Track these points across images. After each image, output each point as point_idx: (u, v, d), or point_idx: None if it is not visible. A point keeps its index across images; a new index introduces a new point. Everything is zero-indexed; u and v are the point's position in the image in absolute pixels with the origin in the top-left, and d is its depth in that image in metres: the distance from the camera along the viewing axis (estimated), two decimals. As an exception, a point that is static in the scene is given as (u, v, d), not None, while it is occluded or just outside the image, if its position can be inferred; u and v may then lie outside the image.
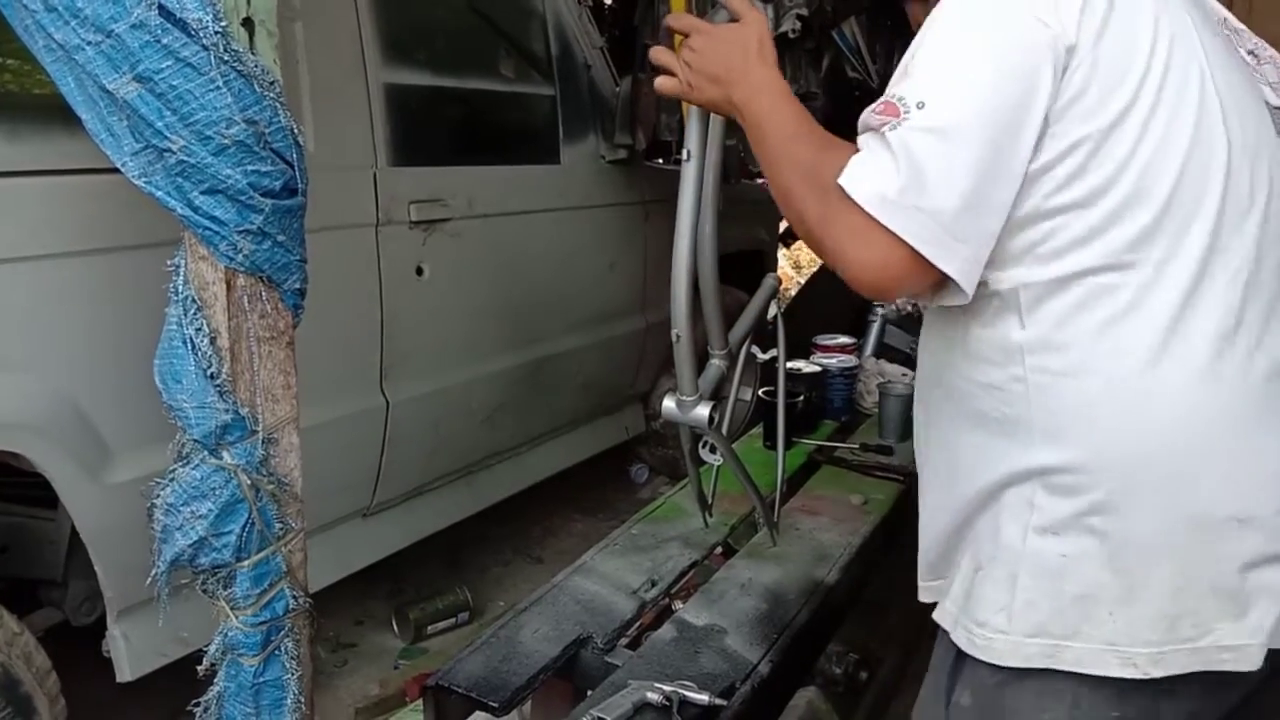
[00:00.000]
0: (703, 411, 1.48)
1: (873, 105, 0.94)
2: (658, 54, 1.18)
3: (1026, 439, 0.99)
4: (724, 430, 1.59)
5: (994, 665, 1.02)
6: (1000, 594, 1.01)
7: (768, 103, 1.06)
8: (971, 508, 1.06)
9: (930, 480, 1.17)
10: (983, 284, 0.97)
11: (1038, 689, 1.00)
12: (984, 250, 0.94)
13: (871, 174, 0.91)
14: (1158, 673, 0.95)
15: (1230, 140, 0.99)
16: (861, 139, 0.95)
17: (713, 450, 1.67)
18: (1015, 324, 0.99)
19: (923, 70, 0.94)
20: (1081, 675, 0.98)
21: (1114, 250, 0.95)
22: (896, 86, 0.94)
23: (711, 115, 1.33)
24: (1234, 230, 0.97)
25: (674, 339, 1.41)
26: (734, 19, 1.14)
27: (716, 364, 1.57)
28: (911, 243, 0.89)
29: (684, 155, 1.33)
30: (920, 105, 0.90)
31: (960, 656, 1.06)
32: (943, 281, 0.94)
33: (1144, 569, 0.96)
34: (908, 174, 0.89)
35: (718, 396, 1.54)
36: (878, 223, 0.89)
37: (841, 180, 0.92)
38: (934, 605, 1.16)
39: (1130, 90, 0.94)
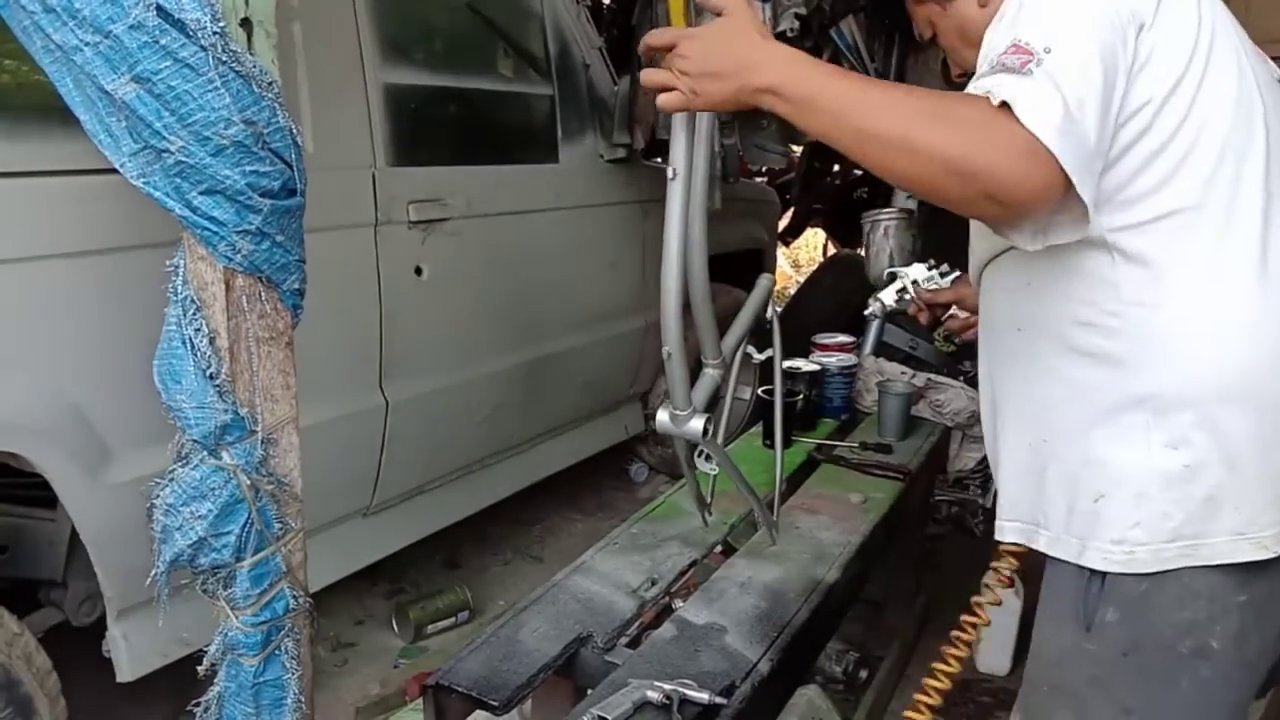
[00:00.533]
0: (697, 424, 1.48)
1: (998, 49, 1.01)
2: (649, 76, 1.13)
3: (1130, 368, 1.11)
4: (720, 439, 1.59)
5: (1137, 575, 1.12)
6: (1132, 511, 1.12)
7: (809, 69, 1.03)
8: (1070, 440, 1.17)
9: (1009, 420, 1.27)
10: None
11: (1178, 590, 1.11)
12: (1097, 188, 1.02)
13: (1037, 103, 0.95)
14: None
15: (1265, 104, 1.14)
16: (996, 78, 0.98)
17: (709, 459, 1.67)
18: (1107, 264, 1.11)
19: (1038, 19, 1.02)
20: (1214, 566, 1.10)
21: (1184, 193, 1.08)
22: (1013, 31, 1.01)
23: (696, 132, 1.30)
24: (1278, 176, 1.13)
25: (665, 356, 1.41)
26: (717, 14, 1.10)
27: (711, 374, 1.57)
28: (1068, 169, 0.94)
29: (670, 173, 1.29)
30: (1047, 50, 0.97)
31: (1093, 579, 1.15)
32: (1058, 216, 1.01)
33: (1257, 462, 1.10)
34: (1062, 106, 0.95)
35: (713, 406, 1.54)
36: (1043, 147, 0.93)
37: (1016, 107, 0.94)
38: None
39: (1184, 60, 1.08)
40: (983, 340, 1.35)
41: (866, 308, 2.06)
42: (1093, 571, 1.15)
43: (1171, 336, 1.10)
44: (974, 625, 1.99)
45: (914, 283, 1.87)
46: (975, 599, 2.00)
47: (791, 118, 1.04)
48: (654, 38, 1.13)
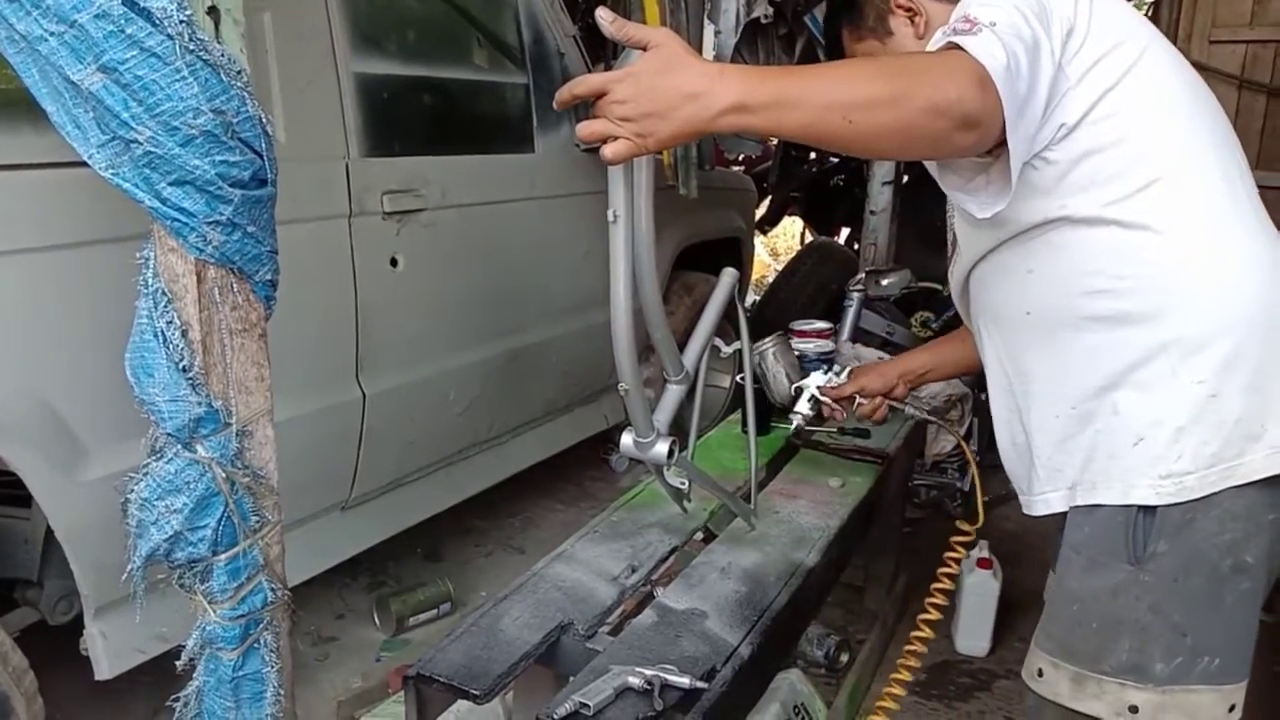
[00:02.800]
0: (661, 449, 1.49)
1: (950, 23, 1.12)
2: (587, 129, 1.05)
3: (1146, 321, 1.22)
4: (690, 449, 1.60)
5: (1183, 504, 1.22)
6: (1174, 446, 1.22)
7: (770, 75, 1.03)
8: (1098, 399, 1.26)
9: (1032, 400, 1.36)
10: (1066, 217, 1.22)
11: (1219, 514, 1.22)
12: (1025, 148, 1.13)
13: (984, 47, 1.05)
14: None
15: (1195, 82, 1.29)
16: (950, 39, 1.08)
17: (679, 472, 1.67)
18: (1107, 236, 1.21)
19: (982, 6, 1.12)
20: (1251, 485, 1.21)
21: (1158, 164, 1.20)
22: (961, 11, 1.13)
23: (636, 170, 1.25)
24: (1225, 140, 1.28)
25: (621, 391, 1.40)
26: (642, 49, 1.04)
27: (674, 390, 1.58)
28: (1005, 104, 1.04)
29: (610, 216, 1.23)
30: (992, 24, 1.08)
31: (1141, 515, 1.24)
32: (989, 177, 1.16)
33: (1272, 381, 1.21)
34: (1005, 55, 1.05)
35: (684, 409, 1.55)
36: (990, 78, 1.03)
37: (967, 47, 1.05)
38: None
39: (1126, 61, 1.21)
40: (986, 338, 1.44)
41: (844, 295, 2.22)
42: (1140, 508, 1.24)
43: (1179, 285, 1.21)
44: (937, 606, 2.02)
45: (818, 389, 2.02)
46: (935, 585, 2.05)
47: (764, 126, 1.03)
48: (579, 87, 1.05)
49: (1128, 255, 1.22)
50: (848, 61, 1.12)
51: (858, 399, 1.97)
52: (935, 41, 1.14)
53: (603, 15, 1.06)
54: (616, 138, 1.04)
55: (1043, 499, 1.37)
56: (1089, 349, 1.27)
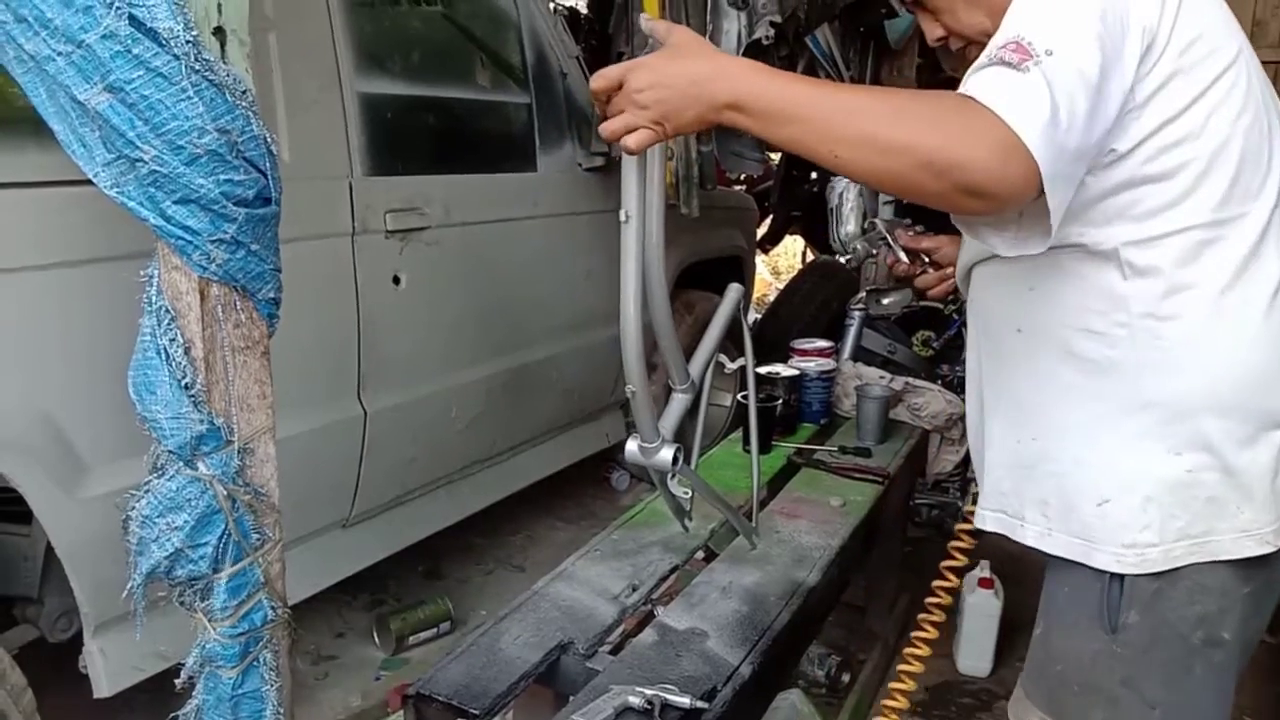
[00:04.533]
0: (666, 455, 1.48)
1: (997, 44, 0.99)
2: (609, 128, 1.08)
3: (1132, 378, 1.14)
4: (694, 463, 1.58)
5: (1150, 575, 1.16)
6: (1140, 515, 1.16)
7: (776, 79, 1.01)
8: (1062, 440, 1.20)
9: (997, 414, 1.31)
10: (1082, 245, 1.12)
11: (1189, 585, 1.16)
12: (1069, 197, 1.01)
13: (1024, 100, 0.93)
14: None
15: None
16: (991, 70, 0.96)
17: (683, 481, 1.67)
18: (1117, 277, 1.12)
19: (1044, 18, 0.99)
20: (1221, 562, 1.15)
21: (1197, 211, 1.09)
22: (1016, 29, 0.98)
23: (649, 171, 1.26)
24: None
25: (629, 394, 1.41)
26: (658, 45, 1.08)
27: (680, 398, 1.58)
28: (1043, 171, 0.93)
29: (622, 216, 1.25)
30: (1049, 53, 0.95)
31: (1113, 583, 1.19)
32: (1022, 226, 1.04)
33: (1255, 468, 1.14)
34: (1051, 107, 0.93)
35: (686, 424, 1.54)
36: (1023, 143, 0.92)
37: (995, 102, 0.93)
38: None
39: (1203, 81, 1.08)
40: (973, 334, 1.37)
41: (845, 314, 2.06)
42: (1111, 575, 1.18)
43: (1178, 351, 1.12)
44: (933, 623, 2.00)
45: (889, 230, 1.80)
46: (929, 599, 2.01)
47: (758, 131, 1.02)
48: (599, 81, 1.07)
49: (1135, 305, 1.12)
50: (853, 88, 1.02)
51: (927, 261, 1.74)
52: (976, 66, 1.00)
53: (645, 17, 1.13)
54: (636, 127, 1.06)
55: (980, 515, 1.34)
56: (1066, 387, 1.20)
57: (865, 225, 1.93)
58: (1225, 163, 1.09)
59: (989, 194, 0.95)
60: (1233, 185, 1.10)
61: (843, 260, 1.93)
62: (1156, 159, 1.07)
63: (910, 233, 1.77)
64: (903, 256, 1.77)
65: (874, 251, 1.85)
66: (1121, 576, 1.18)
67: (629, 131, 1.06)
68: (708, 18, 3.54)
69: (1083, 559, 1.20)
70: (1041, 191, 0.96)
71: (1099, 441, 1.18)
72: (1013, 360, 1.27)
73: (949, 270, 1.67)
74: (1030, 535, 1.26)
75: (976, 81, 0.96)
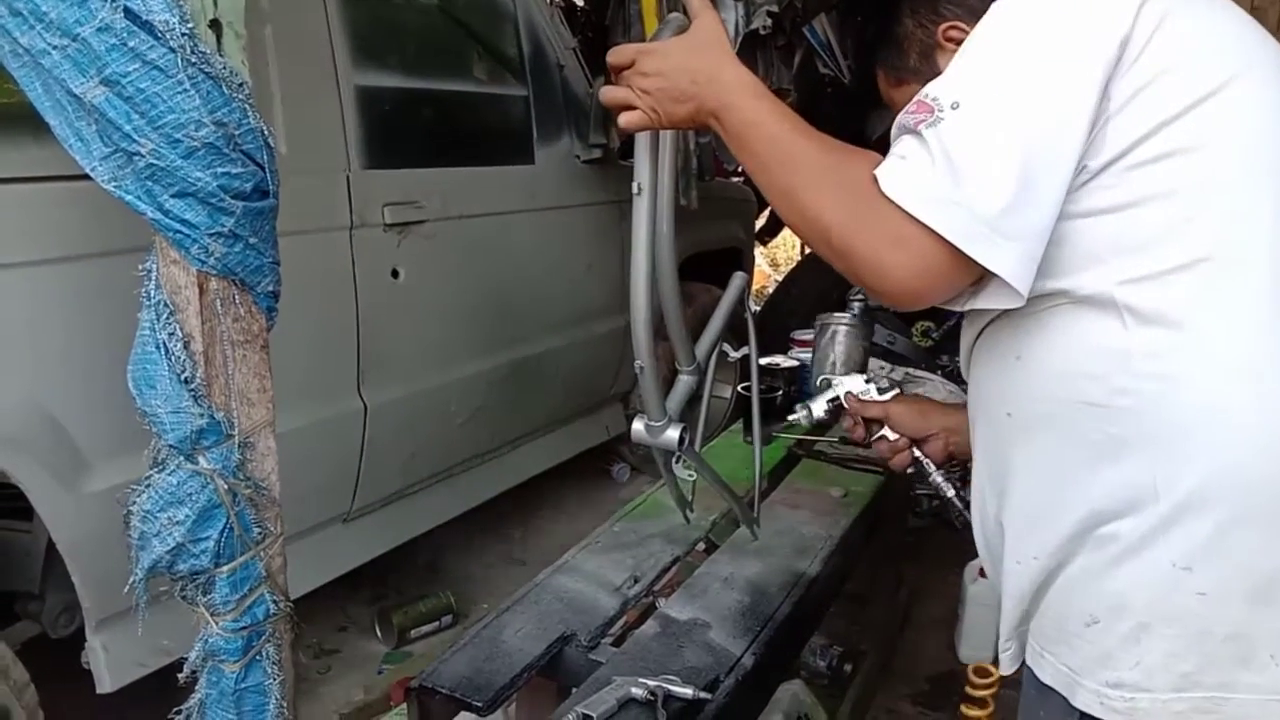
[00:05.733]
0: (672, 434, 1.47)
1: (907, 106, 0.92)
2: (609, 94, 1.06)
3: (1138, 460, 0.90)
4: (697, 445, 1.56)
5: None
6: (1131, 647, 0.91)
7: (750, 103, 0.98)
8: (1065, 550, 0.96)
9: (1011, 528, 1.04)
10: (1065, 291, 0.92)
11: None
12: (1037, 248, 0.87)
13: (908, 171, 0.87)
14: None
15: None
16: (898, 142, 0.92)
17: (687, 465, 1.66)
18: (1117, 328, 0.90)
19: (960, 69, 0.92)
20: None
21: (1208, 239, 0.89)
22: (931, 87, 0.91)
23: (661, 146, 1.23)
24: None
25: (637, 370, 1.40)
26: (682, 29, 1.06)
27: (685, 380, 1.57)
28: (953, 240, 0.84)
29: (635, 189, 1.23)
30: (955, 106, 0.87)
31: None
32: (985, 283, 0.90)
33: None
34: (945, 169, 0.85)
35: (690, 410, 1.53)
36: (917, 222, 0.85)
37: (880, 179, 0.88)
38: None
39: (1204, 83, 0.90)
40: (973, 434, 1.14)
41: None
42: (1083, 715, 0.95)
43: (1192, 418, 0.88)
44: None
45: (847, 393, 1.67)
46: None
47: (730, 149, 1.01)
48: (615, 55, 1.05)
49: (1136, 362, 0.89)
50: (815, 139, 0.94)
51: (885, 429, 1.56)
52: (894, 131, 0.94)
53: None
54: (634, 108, 1.05)
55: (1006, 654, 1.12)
56: (1065, 482, 0.95)
57: (819, 383, 1.74)
58: (1241, 177, 0.91)
59: (882, 290, 0.89)
60: (1253, 204, 0.90)
61: (790, 418, 1.73)
62: (1143, 173, 0.89)
63: (862, 397, 1.61)
64: (857, 425, 1.62)
65: (825, 417, 1.69)
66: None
67: (627, 108, 1.06)
68: (705, 8, 3.53)
69: (1066, 693, 0.97)
70: (963, 264, 0.86)
71: (1096, 542, 0.94)
72: (1011, 453, 1.03)
73: (901, 442, 1.51)
74: (1028, 655, 1.05)
75: (885, 163, 0.91)
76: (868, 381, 1.67)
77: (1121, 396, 0.90)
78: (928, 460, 1.51)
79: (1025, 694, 1.07)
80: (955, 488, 1.52)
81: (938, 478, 1.53)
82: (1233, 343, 0.88)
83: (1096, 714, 0.94)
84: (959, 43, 0.99)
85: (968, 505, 1.20)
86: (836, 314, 1.92)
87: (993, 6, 0.94)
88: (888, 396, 1.62)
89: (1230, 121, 0.90)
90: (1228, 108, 0.90)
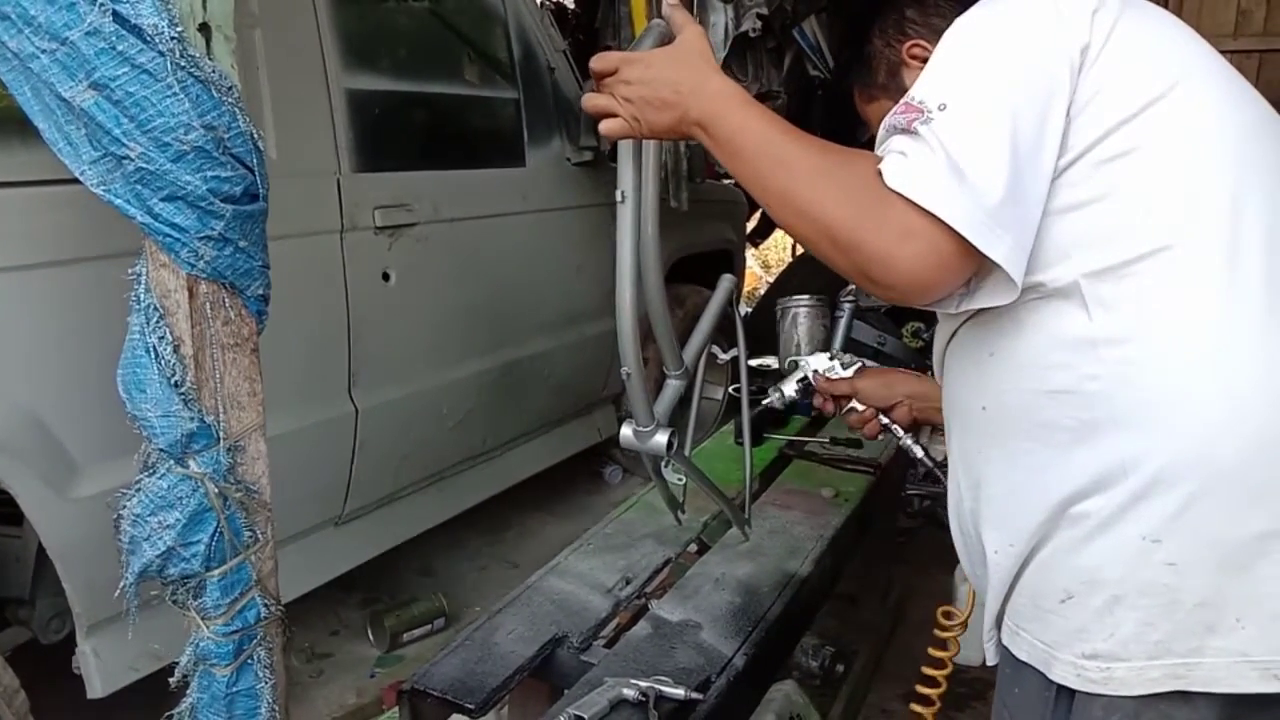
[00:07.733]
0: (660, 439, 1.48)
1: (892, 110, 0.94)
2: (591, 101, 1.07)
3: (1108, 440, 0.93)
4: (687, 449, 1.57)
5: (1113, 697, 0.94)
6: (1104, 618, 0.94)
7: (738, 109, 0.99)
8: (1040, 533, 0.99)
9: (988, 520, 1.07)
10: (1038, 285, 0.95)
11: (1153, 717, 0.93)
12: (1027, 240, 0.92)
13: (914, 165, 0.89)
14: None
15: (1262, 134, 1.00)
16: (891, 141, 0.94)
17: (677, 469, 1.66)
18: (1082, 318, 0.94)
19: (939, 73, 0.96)
20: (1211, 695, 0.91)
21: (1168, 227, 0.93)
22: (915, 91, 0.95)
23: (645, 152, 1.24)
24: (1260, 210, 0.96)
25: (624, 376, 1.41)
26: (664, 37, 1.07)
27: (674, 384, 1.58)
28: (962, 230, 0.87)
29: (618, 196, 1.24)
30: (942, 107, 0.91)
31: (1061, 697, 0.99)
32: (980, 283, 0.94)
33: (1267, 561, 0.89)
34: (946, 162, 0.88)
35: (679, 414, 1.53)
36: (925, 214, 0.88)
37: (885, 173, 0.90)
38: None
39: (1155, 85, 0.95)
40: (948, 435, 1.17)
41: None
42: (1060, 688, 0.98)
43: (1157, 399, 0.91)
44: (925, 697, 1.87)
45: (815, 372, 1.76)
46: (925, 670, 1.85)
47: (719, 158, 1.02)
48: (599, 62, 1.06)
49: (1104, 348, 0.93)
50: (806, 141, 0.96)
51: (854, 401, 1.66)
52: (879, 139, 0.98)
53: (669, 2, 1.11)
54: (616, 115, 1.05)
55: (987, 646, 1.13)
56: (1039, 467, 0.98)
57: (787, 365, 1.83)
58: (1200, 169, 0.95)
59: (890, 284, 0.91)
60: (1211, 193, 0.95)
61: (764, 402, 1.82)
62: (1107, 169, 0.94)
63: (829, 375, 1.71)
64: (826, 401, 1.72)
65: (796, 397, 1.78)
66: (1072, 693, 0.97)
67: (608, 116, 1.06)
68: (694, 11, 3.54)
69: (1043, 668, 1.00)
70: (969, 256, 0.89)
71: (1070, 521, 0.97)
72: (985, 447, 1.07)
73: (869, 412, 1.63)
74: (1004, 635, 1.06)
75: (886, 159, 0.93)
76: (831, 359, 1.77)
77: (1090, 382, 0.94)
78: (896, 425, 1.63)
79: (1001, 672, 1.09)
80: (923, 448, 1.67)
81: (906, 440, 1.66)
82: (1193, 327, 0.92)
83: (1073, 686, 0.97)
84: (923, 60, 1.07)
85: (937, 465, 1.34)
86: (795, 297, 1.97)
87: (955, 22, 1.00)
88: (850, 372, 1.73)
89: (1182, 119, 0.95)
90: (1178, 107, 0.95)
